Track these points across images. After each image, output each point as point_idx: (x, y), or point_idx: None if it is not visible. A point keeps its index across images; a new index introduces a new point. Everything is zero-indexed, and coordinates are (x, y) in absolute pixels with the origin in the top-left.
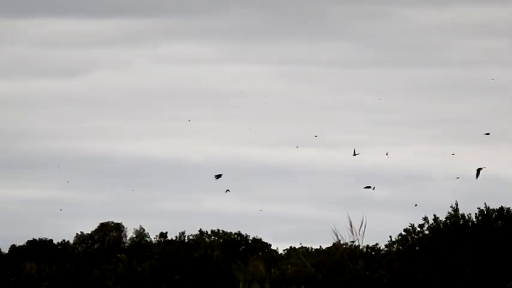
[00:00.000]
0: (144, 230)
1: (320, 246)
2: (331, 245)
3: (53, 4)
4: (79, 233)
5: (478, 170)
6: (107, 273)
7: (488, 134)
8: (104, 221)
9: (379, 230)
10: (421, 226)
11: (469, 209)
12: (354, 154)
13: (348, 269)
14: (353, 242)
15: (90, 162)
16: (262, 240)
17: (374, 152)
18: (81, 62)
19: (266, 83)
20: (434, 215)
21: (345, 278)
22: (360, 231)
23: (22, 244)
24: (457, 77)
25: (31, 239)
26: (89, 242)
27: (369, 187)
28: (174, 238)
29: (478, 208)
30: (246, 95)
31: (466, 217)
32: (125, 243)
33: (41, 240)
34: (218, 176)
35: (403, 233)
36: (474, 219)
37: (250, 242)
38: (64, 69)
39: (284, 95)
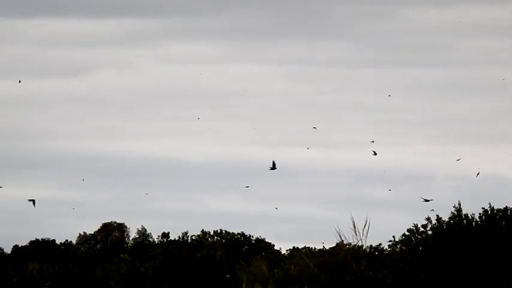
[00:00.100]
0: (146, 230)
1: (323, 247)
2: (334, 245)
3: (53, 4)
4: (82, 233)
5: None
6: (109, 273)
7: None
8: (106, 221)
9: (382, 230)
10: (424, 226)
11: (471, 209)
12: (375, 154)
13: (351, 269)
14: (356, 242)
15: (92, 162)
16: (266, 240)
17: (378, 151)
18: (82, 62)
19: (267, 83)
20: (437, 215)
21: (348, 278)
22: (363, 231)
23: (25, 244)
24: (458, 77)
25: (34, 239)
26: (92, 242)
27: (427, 200)
28: (176, 238)
29: (483, 208)
30: (247, 95)
31: (470, 217)
32: (128, 243)
33: (43, 240)
34: (273, 167)
35: (407, 233)
36: (478, 219)
37: (253, 242)
38: (65, 69)
39: (285, 95)
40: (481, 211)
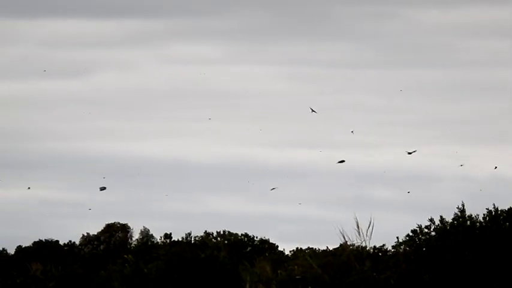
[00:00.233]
0: (149, 230)
1: (327, 247)
2: (338, 246)
3: (54, 5)
4: (85, 234)
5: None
6: (113, 274)
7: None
8: (109, 222)
9: (386, 231)
10: (428, 227)
11: (475, 209)
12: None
13: (354, 270)
14: (360, 243)
15: (94, 163)
16: (269, 241)
17: (381, 153)
18: (83, 62)
19: (268, 84)
20: (441, 216)
21: (351, 279)
22: (367, 232)
23: (28, 245)
24: (459, 78)
25: (37, 240)
26: (95, 243)
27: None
28: (180, 239)
29: (487, 209)
30: (248, 95)
31: (474, 218)
32: (131, 244)
33: (47, 241)
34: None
35: (410, 234)
36: (482, 220)
37: (256, 243)
38: (66, 69)
39: (288, 96)
40: (484, 212)
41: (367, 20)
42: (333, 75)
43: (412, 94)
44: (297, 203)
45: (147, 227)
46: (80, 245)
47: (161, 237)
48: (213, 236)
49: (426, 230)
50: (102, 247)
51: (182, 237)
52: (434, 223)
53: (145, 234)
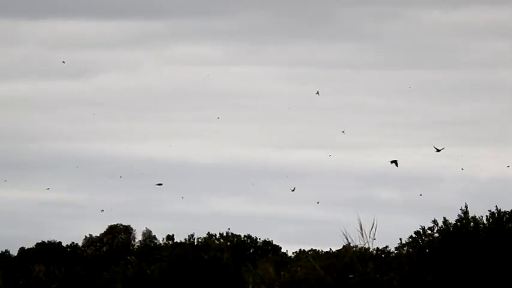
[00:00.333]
0: (151, 232)
1: (330, 249)
2: (341, 247)
3: (59, 6)
4: (88, 236)
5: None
6: (116, 275)
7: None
8: (112, 223)
9: (389, 232)
10: (431, 229)
11: (477, 210)
12: (438, 150)
13: (357, 272)
14: (363, 244)
15: (98, 164)
16: (273, 242)
17: (384, 153)
18: (86, 63)
19: (271, 84)
20: (444, 218)
21: (354, 281)
22: (370, 233)
23: (31, 247)
24: (462, 79)
25: (40, 241)
26: (98, 244)
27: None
28: (182, 241)
29: (489, 210)
30: (251, 96)
31: (478, 219)
32: (134, 245)
33: (49, 242)
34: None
35: (414, 236)
36: (485, 222)
37: (259, 244)
38: (69, 71)
39: (289, 96)
40: (487, 213)
41: (367, 20)
42: (334, 76)
43: (413, 95)
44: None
45: (150, 228)
46: (82, 246)
47: (164, 238)
48: (215, 237)
49: (429, 232)
50: (105, 249)
51: (185, 239)
52: (437, 224)
53: (148, 236)
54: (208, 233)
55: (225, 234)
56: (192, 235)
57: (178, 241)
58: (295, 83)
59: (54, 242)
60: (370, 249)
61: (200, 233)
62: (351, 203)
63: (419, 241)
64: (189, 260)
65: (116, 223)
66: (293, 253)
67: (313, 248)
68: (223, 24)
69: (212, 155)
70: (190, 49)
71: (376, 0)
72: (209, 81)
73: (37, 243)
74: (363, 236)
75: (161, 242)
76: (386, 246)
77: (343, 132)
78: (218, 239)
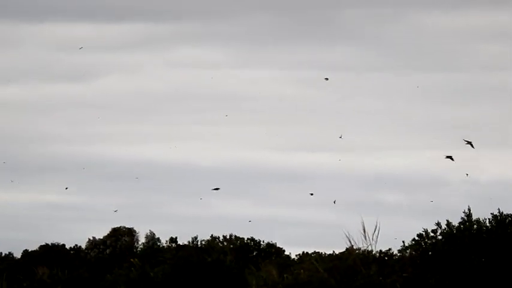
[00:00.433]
0: (154, 234)
1: (333, 251)
2: (344, 250)
3: (62, 9)
4: (91, 238)
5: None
6: (119, 278)
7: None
8: (116, 226)
9: (392, 235)
10: (434, 231)
11: (481, 213)
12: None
13: (360, 274)
14: (366, 247)
15: (100, 167)
16: (276, 245)
17: (387, 156)
18: (90, 66)
19: (276, 87)
20: (447, 220)
21: (357, 283)
22: (372, 236)
23: (34, 249)
24: (465, 82)
25: (43, 244)
26: (101, 247)
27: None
28: (186, 243)
29: (492, 213)
30: (256, 99)
31: (481, 222)
32: (137, 248)
33: (53, 245)
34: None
35: (416, 238)
36: (488, 225)
37: (263, 247)
38: (72, 73)
39: (296, 100)
40: (489, 216)
41: (371, 23)
42: (337, 78)
43: (416, 98)
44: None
45: (153, 230)
46: (86, 249)
47: (167, 241)
48: (219, 240)
49: (432, 234)
50: (108, 251)
51: (188, 241)
52: (441, 227)
53: (151, 238)
54: (212, 235)
55: (228, 236)
56: (196, 237)
57: (182, 244)
58: (298, 86)
59: (58, 244)
60: (373, 252)
61: (203, 236)
62: (354, 206)
63: (422, 244)
64: (192, 263)
65: (119, 225)
66: (296, 255)
67: (316, 251)
68: (225, 26)
69: (215, 158)
70: (192, 52)
71: (377, 2)
72: (211, 83)
73: (40, 246)
74: (366, 238)
75: (164, 244)
76: (390, 249)
77: (340, 137)
78: (221, 242)
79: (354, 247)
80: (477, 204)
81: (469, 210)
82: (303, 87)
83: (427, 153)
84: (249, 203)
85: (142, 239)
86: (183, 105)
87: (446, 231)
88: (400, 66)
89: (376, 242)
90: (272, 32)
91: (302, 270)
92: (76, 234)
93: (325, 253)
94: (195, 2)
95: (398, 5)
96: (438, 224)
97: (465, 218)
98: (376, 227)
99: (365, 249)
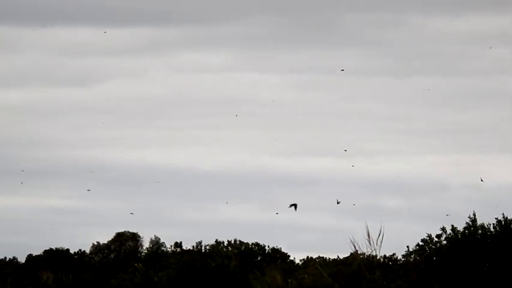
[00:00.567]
0: (159, 239)
1: (337, 256)
2: (348, 255)
3: (65, 13)
4: (95, 243)
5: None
6: (123, 282)
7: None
8: (120, 231)
9: (397, 240)
10: (438, 236)
11: (483, 218)
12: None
13: (365, 279)
14: (370, 252)
15: (104, 172)
16: (281, 250)
17: (391, 161)
18: (94, 71)
19: (278, 92)
20: (452, 225)
21: None
22: (377, 241)
23: (39, 253)
24: (467, 86)
25: (48, 248)
26: (106, 251)
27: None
28: (190, 248)
29: (496, 218)
30: (259, 103)
31: (486, 227)
32: (141, 252)
33: (57, 249)
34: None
35: (421, 243)
36: (492, 230)
37: (267, 251)
38: (74, 78)
39: (296, 103)
40: (494, 221)
41: (373, 28)
42: (339, 83)
43: (426, 103)
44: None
45: (158, 235)
46: (90, 253)
47: (172, 245)
48: (223, 244)
49: (436, 239)
50: (112, 256)
51: (193, 246)
52: (446, 232)
53: (156, 243)
54: (216, 240)
55: (232, 241)
56: (200, 242)
57: (187, 248)
58: (301, 90)
59: (62, 249)
60: (378, 257)
61: (208, 240)
62: (358, 211)
63: (427, 249)
64: (196, 268)
65: (123, 230)
66: (300, 260)
67: (321, 256)
68: (228, 31)
69: (220, 163)
70: (195, 56)
71: (380, 7)
72: (215, 88)
73: (45, 251)
74: (370, 243)
75: (169, 249)
76: (394, 254)
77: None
78: (226, 247)
79: (359, 252)
80: (478, 209)
81: (474, 215)
82: (307, 92)
83: (429, 158)
84: (253, 208)
85: (146, 244)
86: (188, 110)
87: (451, 236)
88: (401, 70)
89: (380, 247)
90: (273, 37)
91: (306, 275)
92: (80, 239)
93: (329, 258)
94: (197, 7)
95: (398, 9)
96: (443, 229)
97: (470, 223)
98: (380, 231)
99: (369, 254)
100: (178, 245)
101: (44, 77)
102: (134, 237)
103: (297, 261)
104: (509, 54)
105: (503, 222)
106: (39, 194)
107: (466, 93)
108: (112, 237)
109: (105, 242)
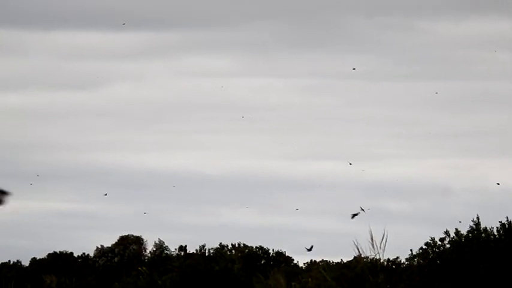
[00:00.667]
0: (163, 243)
1: (341, 260)
2: (352, 258)
3: (65, 17)
4: (99, 246)
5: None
6: (127, 286)
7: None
8: (123, 234)
9: (400, 243)
10: (442, 240)
11: (488, 222)
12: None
13: (368, 283)
14: (374, 255)
15: (108, 175)
16: (284, 253)
17: (395, 165)
18: (97, 74)
19: (284, 96)
20: (456, 229)
21: None
22: (380, 244)
23: (43, 257)
24: (476, 90)
25: (52, 252)
26: (109, 255)
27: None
28: (194, 251)
29: (500, 222)
30: (264, 107)
31: (489, 230)
32: (145, 256)
33: (61, 253)
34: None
35: (424, 247)
36: (496, 233)
37: (271, 255)
38: (77, 81)
39: (302, 108)
40: (497, 224)
41: (381, 32)
42: (345, 87)
43: (430, 106)
44: (314, 215)
45: (164, 239)
46: (94, 257)
47: (176, 249)
48: (227, 248)
49: (439, 243)
50: (116, 259)
51: (196, 250)
52: (449, 235)
53: (160, 246)
54: (220, 243)
55: (236, 245)
56: (204, 246)
57: (190, 252)
58: (306, 94)
59: (66, 252)
60: (381, 260)
61: (212, 244)
62: (362, 214)
63: (430, 252)
64: (200, 271)
65: (127, 234)
66: (304, 264)
67: (324, 259)
68: (230, 35)
69: (225, 167)
70: (197, 60)
71: (387, 11)
72: (220, 92)
73: (49, 254)
74: (373, 247)
75: (173, 252)
76: (397, 257)
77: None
78: (230, 250)
79: (362, 255)
80: (480, 212)
81: (478, 219)
82: (312, 96)
83: (430, 161)
84: (257, 212)
85: (150, 247)
86: (191, 114)
87: (455, 239)
88: (404, 74)
89: (383, 250)
90: (277, 40)
91: (310, 279)
92: (84, 243)
93: (333, 261)
94: (199, 11)
95: (402, 14)
96: (446, 233)
97: (473, 226)
98: (383, 235)
99: (373, 258)
100: (182, 248)
101: (43, 81)
102: (138, 241)
103: (301, 264)
104: (510, 58)
105: (507, 225)
106: (42, 198)
107: (470, 96)
108: (116, 240)
109: (109, 246)
